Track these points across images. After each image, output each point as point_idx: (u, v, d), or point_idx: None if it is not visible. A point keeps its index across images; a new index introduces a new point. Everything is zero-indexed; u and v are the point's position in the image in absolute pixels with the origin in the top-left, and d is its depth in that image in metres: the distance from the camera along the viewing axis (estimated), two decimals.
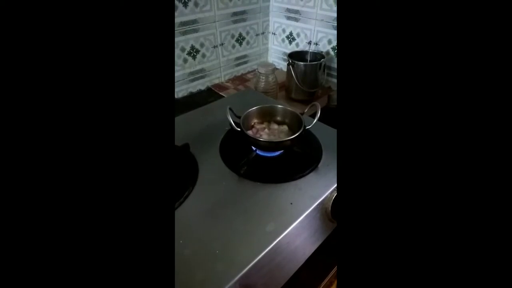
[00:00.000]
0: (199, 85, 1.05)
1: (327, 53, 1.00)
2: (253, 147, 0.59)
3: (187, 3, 0.86)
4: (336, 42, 0.97)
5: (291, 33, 1.10)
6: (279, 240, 0.43)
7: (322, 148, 0.62)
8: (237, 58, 1.12)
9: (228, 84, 1.10)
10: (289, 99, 0.98)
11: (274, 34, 1.17)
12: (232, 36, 1.05)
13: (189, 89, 1.02)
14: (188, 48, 0.94)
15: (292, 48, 1.13)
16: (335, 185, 0.53)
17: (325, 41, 1.00)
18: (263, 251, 0.41)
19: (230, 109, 0.59)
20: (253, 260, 0.40)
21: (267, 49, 1.23)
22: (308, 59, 0.97)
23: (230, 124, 0.56)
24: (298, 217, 0.47)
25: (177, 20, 0.87)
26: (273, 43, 1.20)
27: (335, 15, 0.93)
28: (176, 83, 0.97)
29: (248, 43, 1.12)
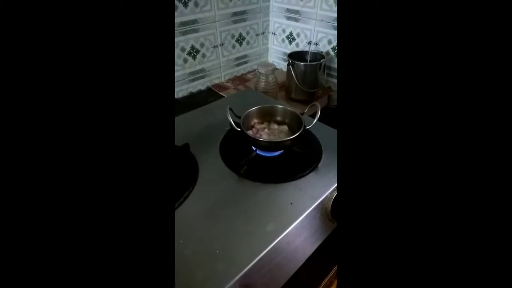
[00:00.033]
0: (199, 85, 1.05)
1: (327, 53, 1.00)
2: (253, 147, 0.59)
3: (187, 3, 0.86)
4: (336, 42, 0.97)
5: (291, 33, 1.10)
6: (279, 240, 0.43)
7: (322, 148, 0.62)
8: (237, 58, 1.12)
9: (228, 84, 1.10)
10: (289, 99, 0.98)
11: (274, 34, 1.17)
12: (232, 36, 1.05)
13: (189, 89, 1.02)
14: (188, 48, 0.94)
15: (292, 48, 1.13)
16: (335, 185, 0.53)
17: (325, 41, 1.00)
18: (263, 251, 0.41)
19: (230, 109, 0.59)
20: (253, 260, 0.40)
21: (267, 49, 1.23)
22: (308, 59, 0.97)
23: (230, 124, 0.56)
24: (298, 217, 0.47)
25: (177, 20, 0.87)
26: (273, 43, 1.20)
27: (335, 15, 0.93)
28: (176, 83, 0.97)
29: (248, 43, 1.12)
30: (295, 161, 0.58)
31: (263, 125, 0.65)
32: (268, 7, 1.11)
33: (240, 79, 1.13)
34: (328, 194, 0.52)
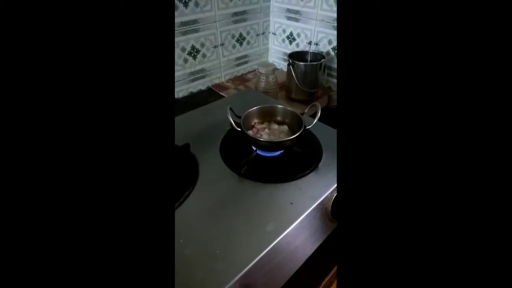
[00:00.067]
0: (200, 85, 1.05)
1: (328, 53, 1.00)
2: (253, 147, 0.59)
3: (188, 3, 0.86)
4: (336, 42, 0.97)
5: (291, 33, 1.10)
6: (279, 240, 0.43)
7: (322, 148, 0.62)
8: (238, 58, 1.12)
9: (228, 84, 1.10)
10: (289, 99, 0.98)
11: (275, 34, 1.17)
12: (233, 36, 1.05)
13: (190, 89, 1.02)
14: (188, 48, 0.94)
15: (292, 48, 1.13)
16: (335, 185, 0.53)
17: (325, 41, 1.00)
18: (263, 251, 0.41)
19: (230, 109, 0.59)
20: (253, 260, 0.40)
21: (267, 49, 1.23)
22: (309, 59, 0.97)
23: (231, 124, 0.56)
24: (298, 217, 0.47)
25: (178, 20, 0.87)
26: (274, 43, 1.20)
27: (335, 15, 0.93)
28: (176, 83, 0.97)
29: (248, 43, 1.12)
30: (295, 161, 0.58)
31: (264, 125, 0.65)
32: (268, 7, 1.11)
33: (241, 79, 1.13)
34: (328, 194, 0.51)
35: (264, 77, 0.90)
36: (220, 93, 1.03)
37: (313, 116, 0.61)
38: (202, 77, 1.04)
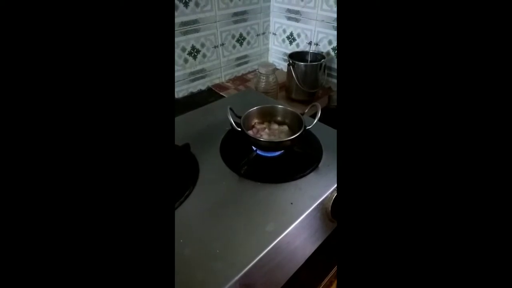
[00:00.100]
0: (200, 85, 1.05)
1: (328, 53, 1.00)
2: (253, 147, 0.59)
3: (188, 3, 0.86)
4: (336, 42, 0.97)
5: (291, 34, 1.10)
6: (279, 240, 0.43)
7: (323, 148, 0.62)
8: (238, 58, 1.12)
9: (228, 84, 1.10)
10: (290, 99, 0.98)
11: (275, 34, 1.17)
12: (233, 36, 1.05)
13: (190, 89, 1.02)
14: (188, 48, 0.94)
15: (292, 48, 1.13)
16: (335, 185, 0.53)
17: (325, 41, 1.00)
18: (263, 251, 0.41)
19: (230, 109, 0.59)
20: (253, 260, 0.40)
21: (267, 50, 1.23)
22: (309, 59, 0.97)
23: (231, 124, 0.56)
24: (298, 217, 0.47)
25: (178, 20, 0.87)
26: (274, 43, 1.20)
27: (335, 15, 0.93)
28: (176, 83, 0.97)
29: (248, 43, 1.12)
30: (296, 161, 0.58)
31: (264, 125, 0.65)
32: (268, 7, 1.11)
33: (241, 79, 1.13)
34: (328, 194, 0.52)
35: (264, 77, 0.90)
36: (220, 93, 1.03)
37: (313, 116, 0.61)
38: (202, 77, 1.04)
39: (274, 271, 0.46)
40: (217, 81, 1.10)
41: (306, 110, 0.64)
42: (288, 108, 0.66)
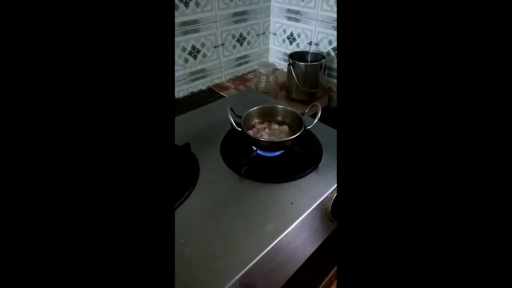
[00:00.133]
0: (200, 85, 1.05)
1: (328, 53, 1.00)
2: (253, 147, 0.59)
3: (188, 3, 0.86)
4: (336, 42, 0.97)
5: (291, 34, 1.10)
6: (279, 240, 0.43)
7: (323, 148, 0.62)
8: (238, 58, 1.12)
9: (228, 84, 1.10)
10: (290, 99, 0.98)
11: (275, 34, 1.17)
12: (233, 36, 1.05)
13: (190, 89, 1.03)
14: (189, 48, 0.94)
15: (292, 48, 1.13)
16: (335, 185, 0.53)
17: (325, 41, 1.00)
18: (263, 251, 0.41)
19: (231, 109, 0.59)
20: (253, 259, 0.40)
21: (267, 50, 1.23)
22: (309, 59, 0.97)
23: (231, 124, 0.56)
24: (298, 217, 0.47)
25: (178, 20, 0.87)
26: (274, 43, 1.20)
27: (335, 15, 0.93)
28: (177, 83, 0.97)
29: (249, 43, 1.12)
30: (296, 161, 0.58)
31: (264, 125, 0.65)
32: (269, 7, 1.11)
33: (241, 79, 1.13)
34: (328, 194, 0.52)
35: (264, 77, 0.90)
36: (221, 93, 1.03)
37: (313, 116, 0.61)
38: (203, 77, 1.04)
39: (274, 271, 0.46)
40: (217, 81, 1.10)
41: (306, 110, 0.64)
42: (288, 108, 0.66)
